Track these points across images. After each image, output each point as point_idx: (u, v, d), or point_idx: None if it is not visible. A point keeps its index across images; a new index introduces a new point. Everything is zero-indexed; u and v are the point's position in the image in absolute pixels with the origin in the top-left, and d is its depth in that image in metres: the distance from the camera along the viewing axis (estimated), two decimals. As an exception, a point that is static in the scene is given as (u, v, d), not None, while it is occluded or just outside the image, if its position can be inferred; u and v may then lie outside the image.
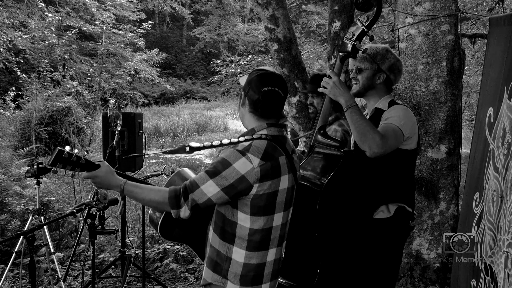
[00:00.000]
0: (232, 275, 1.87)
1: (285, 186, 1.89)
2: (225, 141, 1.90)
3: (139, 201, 1.96)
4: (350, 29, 2.36)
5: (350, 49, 2.33)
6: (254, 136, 1.87)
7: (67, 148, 1.83)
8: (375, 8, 2.33)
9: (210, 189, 1.79)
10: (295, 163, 1.99)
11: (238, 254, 1.87)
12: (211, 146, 1.91)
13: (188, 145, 1.86)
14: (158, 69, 16.76)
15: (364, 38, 2.37)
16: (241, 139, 1.87)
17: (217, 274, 1.91)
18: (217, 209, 1.91)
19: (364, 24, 2.32)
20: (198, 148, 1.87)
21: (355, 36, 2.32)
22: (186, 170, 2.49)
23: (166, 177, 3.36)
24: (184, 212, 1.82)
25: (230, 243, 1.87)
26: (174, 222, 2.22)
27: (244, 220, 1.84)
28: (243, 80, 1.97)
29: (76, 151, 1.85)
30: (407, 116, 2.37)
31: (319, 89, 2.44)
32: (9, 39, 11.27)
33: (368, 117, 2.51)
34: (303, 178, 2.36)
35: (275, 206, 1.87)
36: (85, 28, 13.71)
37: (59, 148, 1.80)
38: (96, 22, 13.52)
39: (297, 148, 3.01)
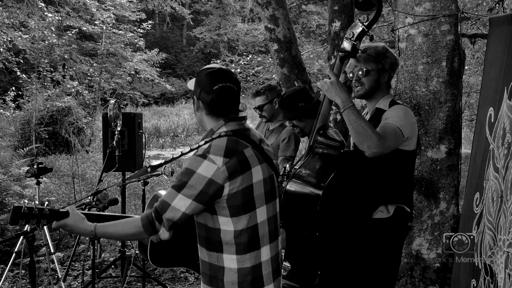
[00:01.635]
0: (229, 284, 1.80)
1: (259, 177, 1.81)
2: (186, 149, 1.86)
3: (116, 239, 1.91)
4: (350, 28, 2.35)
5: (350, 49, 2.32)
6: (213, 137, 1.81)
7: (25, 201, 1.74)
8: (376, 8, 2.32)
9: (182, 203, 1.72)
10: (268, 152, 1.92)
11: (230, 261, 1.79)
12: (173, 159, 1.87)
13: (149, 165, 1.84)
14: (158, 69, 16.77)
15: (364, 38, 2.37)
16: (201, 143, 1.81)
17: (215, 287, 1.83)
18: (198, 221, 1.83)
19: (364, 24, 2.31)
20: (160, 165, 1.84)
21: (355, 36, 2.31)
22: (161, 192, 2.47)
23: (166, 177, 3.35)
24: (163, 234, 1.76)
25: (219, 252, 1.80)
26: (164, 249, 2.17)
27: (226, 224, 1.77)
28: (191, 84, 1.90)
29: (36, 202, 1.76)
30: (407, 116, 2.37)
31: (318, 85, 2.45)
32: (9, 39, 11.28)
33: (368, 117, 2.51)
34: (303, 180, 2.36)
35: (255, 201, 1.80)
36: (85, 28, 13.72)
37: (15, 204, 1.71)
38: (96, 22, 13.52)
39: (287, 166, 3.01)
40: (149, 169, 1.82)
